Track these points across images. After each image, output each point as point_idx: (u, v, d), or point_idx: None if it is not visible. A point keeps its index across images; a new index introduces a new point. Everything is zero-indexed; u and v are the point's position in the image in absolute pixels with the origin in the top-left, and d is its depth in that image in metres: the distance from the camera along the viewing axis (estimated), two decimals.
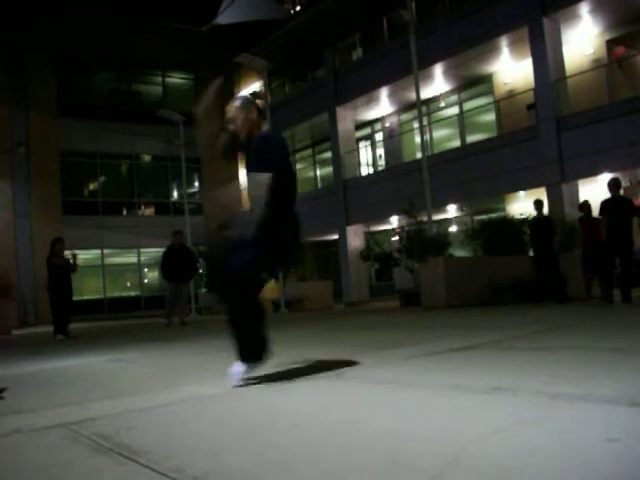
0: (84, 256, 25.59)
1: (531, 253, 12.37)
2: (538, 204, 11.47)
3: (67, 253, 11.59)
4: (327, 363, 4.36)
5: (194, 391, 3.62)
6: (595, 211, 10.23)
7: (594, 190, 14.88)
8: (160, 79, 30.85)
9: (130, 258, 29.31)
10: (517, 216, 14.89)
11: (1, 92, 25.33)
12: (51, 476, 2.05)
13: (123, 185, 29.81)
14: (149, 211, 30.21)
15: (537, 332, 5.72)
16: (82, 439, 2.51)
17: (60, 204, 26.76)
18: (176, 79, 31.59)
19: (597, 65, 17.47)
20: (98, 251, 27.66)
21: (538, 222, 11.50)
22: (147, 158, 30.46)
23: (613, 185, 9.87)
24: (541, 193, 16.24)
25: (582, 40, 18.03)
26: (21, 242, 25.36)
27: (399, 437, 2.16)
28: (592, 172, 15.86)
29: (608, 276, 9.79)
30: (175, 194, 30.85)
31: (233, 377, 3.59)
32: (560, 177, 16.52)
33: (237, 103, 3.92)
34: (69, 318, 11.40)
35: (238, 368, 3.61)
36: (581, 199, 13.53)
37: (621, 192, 9.89)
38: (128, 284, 30.16)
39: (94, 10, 25.85)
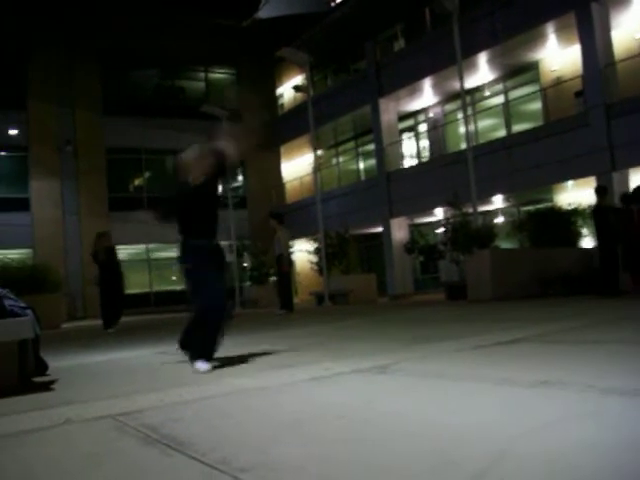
0: (130, 251, 26.08)
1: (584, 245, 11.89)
2: (598, 191, 10.67)
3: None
4: (372, 356, 4.34)
5: (239, 384, 3.65)
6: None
7: None
8: (203, 75, 31.10)
9: (175, 252, 29.67)
10: (565, 206, 14.53)
11: (48, 91, 25.91)
12: (100, 464, 2.08)
13: (168, 180, 30.20)
14: None
15: (585, 325, 5.58)
16: (130, 430, 2.55)
17: (107, 200, 27.29)
18: (218, 74, 31.83)
19: None
20: (143, 246, 28.10)
21: (597, 211, 10.63)
22: None
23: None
24: (590, 182, 15.82)
25: (632, 23, 17.48)
26: (70, 238, 25.96)
27: (445, 431, 2.14)
28: None
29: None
30: (219, 188, 31.11)
31: (203, 369, 4.25)
32: (611, 165, 16.06)
33: (192, 155, 4.45)
34: (120, 312, 11.58)
35: (204, 365, 4.29)
36: (631, 188, 13.02)
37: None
38: (173, 278, 30.60)
39: (137, 8, 26.27)
